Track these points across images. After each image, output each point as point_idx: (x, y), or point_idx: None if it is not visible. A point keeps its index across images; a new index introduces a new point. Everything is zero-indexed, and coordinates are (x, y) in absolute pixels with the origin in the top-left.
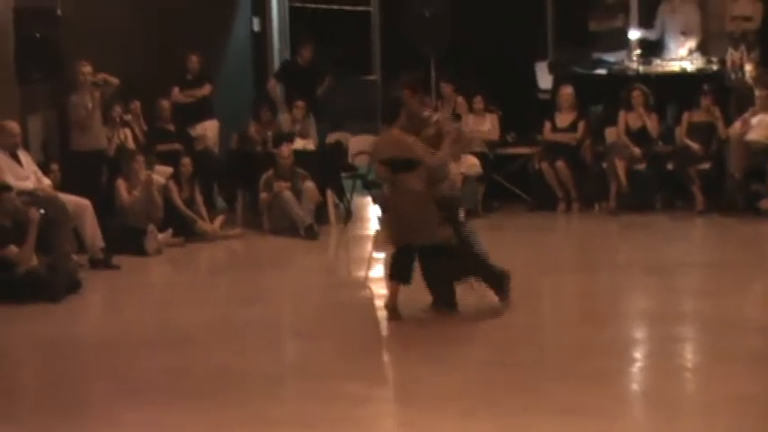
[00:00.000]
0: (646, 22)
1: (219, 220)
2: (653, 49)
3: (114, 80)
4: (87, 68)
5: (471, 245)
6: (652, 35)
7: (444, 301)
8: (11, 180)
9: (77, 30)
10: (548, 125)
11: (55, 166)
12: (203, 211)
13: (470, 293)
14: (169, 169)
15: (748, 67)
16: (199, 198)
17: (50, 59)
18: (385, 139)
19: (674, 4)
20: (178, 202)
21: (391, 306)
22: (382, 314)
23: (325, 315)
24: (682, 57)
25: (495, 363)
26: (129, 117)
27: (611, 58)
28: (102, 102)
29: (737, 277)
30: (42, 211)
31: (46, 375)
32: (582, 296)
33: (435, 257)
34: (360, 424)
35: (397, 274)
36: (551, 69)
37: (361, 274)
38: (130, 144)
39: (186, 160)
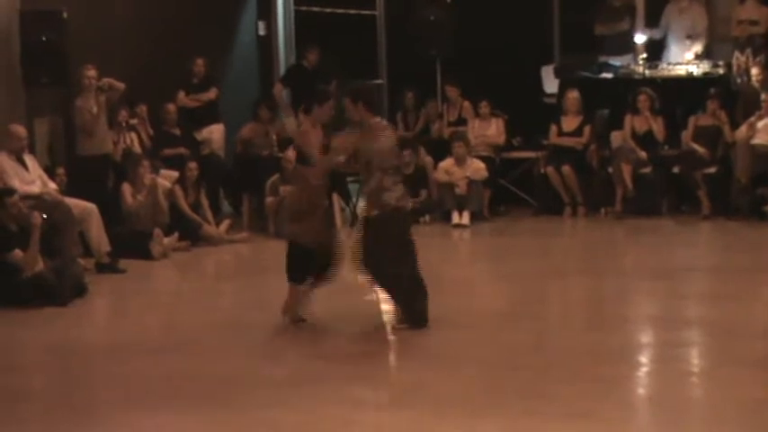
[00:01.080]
0: (651, 25)
1: (225, 224)
2: (658, 51)
3: (120, 85)
4: (92, 72)
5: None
6: (656, 34)
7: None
8: (17, 184)
9: (84, 34)
10: (554, 129)
11: (61, 171)
12: (209, 215)
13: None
14: (174, 173)
15: (755, 71)
16: (205, 202)
17: (56, 63)
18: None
19: (682, 5)
20: (184, 206)
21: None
22: (387, 318)
23: (329, 319)
24: (688, 61)
25: (501, 367)
26: (135, 121)
27: (617, 61)
28: (107, 106)
29: (744, 282)
30: (45, 215)
31: (53, 379)
32: (588, 301)
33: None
34: (365, 428)
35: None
36: (557, 73)
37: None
38: (136, 148)
39: (193, 164)
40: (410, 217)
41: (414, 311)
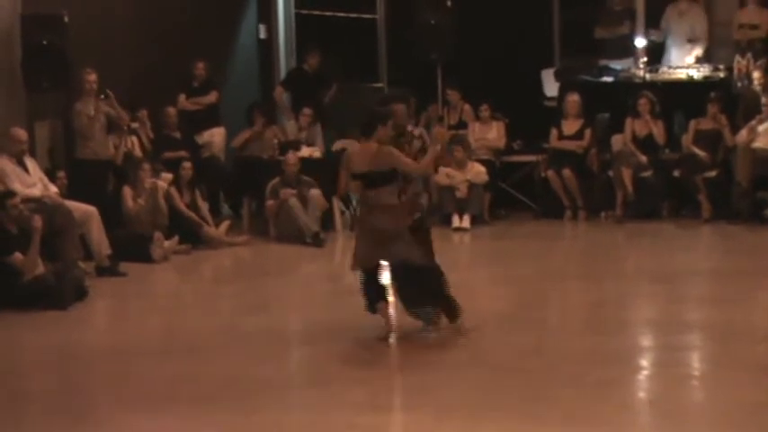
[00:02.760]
0: (652, 28)
1: (225, 225)
2: (658, 55)
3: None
4: (92, 77)
5: (436, 268)
6: (656, 36)
7: (428, 319)
8: (17, 187)
9: (85, 37)
10: (554, 133)
11: (62, 174)
12: (208, 216)
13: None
14: (169, 175)
15: (756, 75)
16: (202, 203)
17: (57, 67)
18: (362, 152)
19: (681, 8)
20: (181, 206)
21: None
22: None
23: (331, 322)
24: (689, 64)
25: (502, 370)
26: (135, 125)
27: (617, 65)
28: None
29: (744, 285)
30: (40, 217)
31: (53, 382)
32: (588, 304)
33: (408, 277)
34: (367, 431)
35: (368, 302)
36: (557, 77)
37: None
38: (137, 152)
39: (187, 164)
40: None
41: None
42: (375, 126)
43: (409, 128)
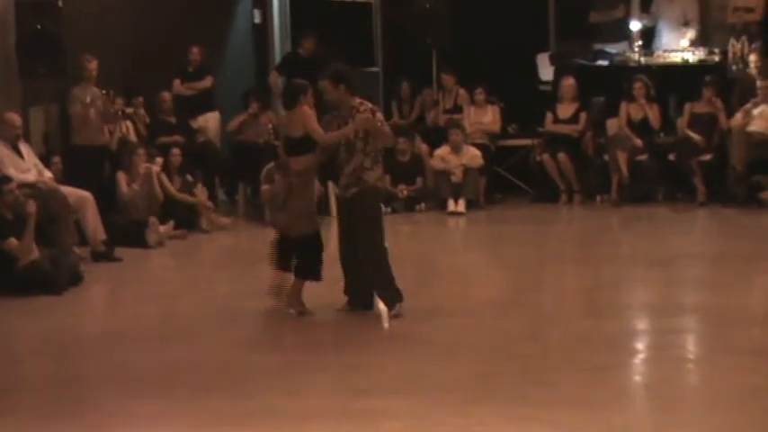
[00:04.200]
0: (645, 12)
1: (201, 190)
2: (653, 39)
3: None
4: (93, 64)
5: (377, 249)
6: (646, 20)
7: (360, 301)
8: (12, 172)
9: (79, 22)
10: (549, 117)
11: (57, 159)
12: (207, 202)
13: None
14: (159, 160)
15: (753, 58)
16: (201, 189)
17: (52, 52)
18: (285, 119)
19: None
20: (172, 190)
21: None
22: (383, 306)
23: (325, 307)
24: (683, 48)
25: (497, 354)
26: (130, 110)
27: (612, 49)
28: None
29: (739, 269)
30: (34, 203)
31: (48, 368)
32: (584, 288)
33: (298, 249)
34: (362, 416)
35: (277, 262)
36: (553, 61)
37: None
38: (132, 137)
39: (175, 150)
40: (383, 198)
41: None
42: (297, 97)
43: (357, 101)
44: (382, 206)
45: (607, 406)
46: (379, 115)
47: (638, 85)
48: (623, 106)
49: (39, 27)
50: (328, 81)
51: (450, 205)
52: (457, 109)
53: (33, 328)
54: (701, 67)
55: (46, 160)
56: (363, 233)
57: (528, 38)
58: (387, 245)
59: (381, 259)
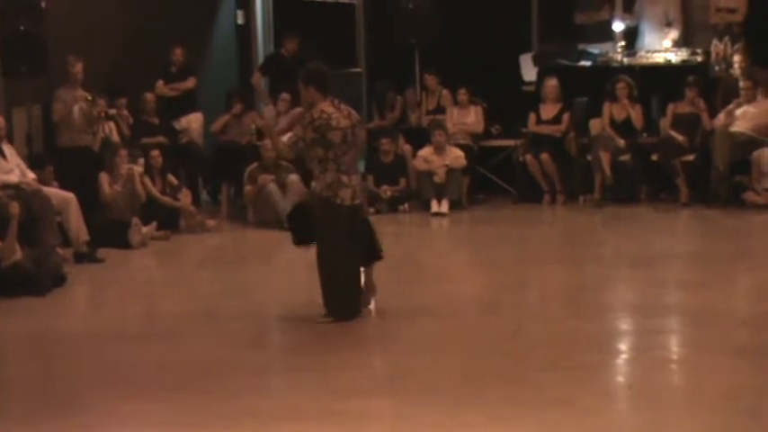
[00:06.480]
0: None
1: (185, 194)
2: (636, 39)
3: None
4: (78, 67)
5: (322, 261)
6: (629, 21)
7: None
8: None
9: (62, 23)
10: (532, 117)
11: (50, 168)
12: (190, 206)
13: None
14: (140, 161)
15: (737, 59)
16: (186, 192)
17: (35, 53)
18: None
19: None
20: (155, 192)
21: None
22: (369, 306)
23: (310, 308)
24: (666, 48)
25: (481, 354)
26: (113, 111)
27: (595, 49)
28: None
29: (722, 269)
30: (17, 203)
31: (32, 368)
32: (567, 288)
33: None
34: (348, 416)
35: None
36: (536, 61)
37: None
38: (115, 138)
39: (155, 152)
40: (361, 213)
41: (342, 305)
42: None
43: (327, 103)
44: (370, 208)
45: (590, 406)
46: (344, 116)
47: (620, 85)
48: (606, 106)
49: (21, 28)
50: (299, 82)
51: (434, 206)
52: (440, 110)
53: (16, 328)
54: (683, 67)
55: (32, 162)
56: (316, 242)
57: (511, 38)
58: (350, 257)
59: (329, 272)
